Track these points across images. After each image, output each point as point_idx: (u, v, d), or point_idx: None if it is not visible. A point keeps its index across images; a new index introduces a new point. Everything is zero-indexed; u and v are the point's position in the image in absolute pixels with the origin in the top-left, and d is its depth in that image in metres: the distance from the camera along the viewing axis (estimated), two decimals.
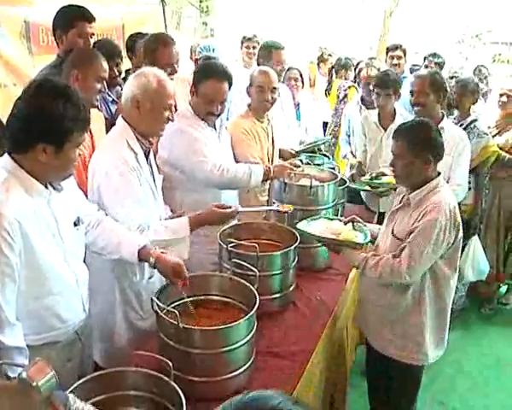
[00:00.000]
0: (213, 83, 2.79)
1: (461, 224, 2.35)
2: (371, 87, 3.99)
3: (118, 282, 2.41)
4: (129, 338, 2.43)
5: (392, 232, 2.41)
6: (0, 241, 1.65)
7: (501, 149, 4.14)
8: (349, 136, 4.51)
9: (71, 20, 2.98)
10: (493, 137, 4.16)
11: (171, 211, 2.72)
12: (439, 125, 3.05)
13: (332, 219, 2.68)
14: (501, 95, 4.32)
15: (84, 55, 2.70)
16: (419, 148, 2.30)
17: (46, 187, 1.82)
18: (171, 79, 2.97)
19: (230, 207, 2.49)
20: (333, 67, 6.27)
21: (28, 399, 1.13)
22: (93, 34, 3.08)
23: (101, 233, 2.16)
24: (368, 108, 4.25)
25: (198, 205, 2.58)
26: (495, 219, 4.39)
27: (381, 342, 2.53)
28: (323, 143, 4.35)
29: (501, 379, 3.73)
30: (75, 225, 1.98)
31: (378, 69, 4.43)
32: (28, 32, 3.69)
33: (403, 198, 2.46)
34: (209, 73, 2.81)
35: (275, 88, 3.31)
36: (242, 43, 5.44)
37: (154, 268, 2.15)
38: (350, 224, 2.59)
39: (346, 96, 5.54)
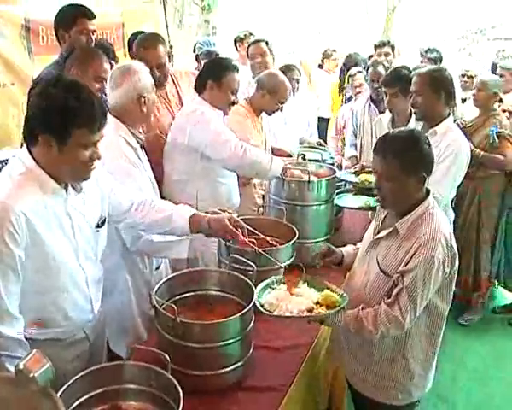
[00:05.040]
0: (234, 74, 2.96)
1: (457, 253, 2.02)
2: (376, 85, 3.86)
3: (131, 276, 2.48)
4: (146, 329, 2.50)
5: (379, 265, 2.06)
6: (4, 233, 1.65)
7: (476, 147, 3.89)
8: (356, 135, 4.24)
9: (72, 19, 3.06)
10: (470, 134, 3.87)
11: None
12: (433, 128, 2.91)
13: (273, 287, 2.11)
14: (462, 76, 4.06)
15: (84, 54, 2.75)
16: (412, 166, 1.96)
17: (66, 187, 1.82)
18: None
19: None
20: (344, 65, 6.18)
21: (26, 390, 1.15)
22: (94, 31, 3.15)
23: (147, 212, 2.19)
24: (378, 109, 4.01)
25: (212, 198, 2.73)
26: (487, 221, 4.19)
27: (358, 381, 2.23)
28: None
29: (501, 372, 3.75)
30: (97, 226, 1.98)
31: (387, 68, 4.10)
32: (28, 32, 3.72)
33: (384, 221, 2.14)
34: (229, 66, 2.96)
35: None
36: (236, 42, 5.45)
37: (209, 236, 2.22)
38: (304, 285, 2.12)
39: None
